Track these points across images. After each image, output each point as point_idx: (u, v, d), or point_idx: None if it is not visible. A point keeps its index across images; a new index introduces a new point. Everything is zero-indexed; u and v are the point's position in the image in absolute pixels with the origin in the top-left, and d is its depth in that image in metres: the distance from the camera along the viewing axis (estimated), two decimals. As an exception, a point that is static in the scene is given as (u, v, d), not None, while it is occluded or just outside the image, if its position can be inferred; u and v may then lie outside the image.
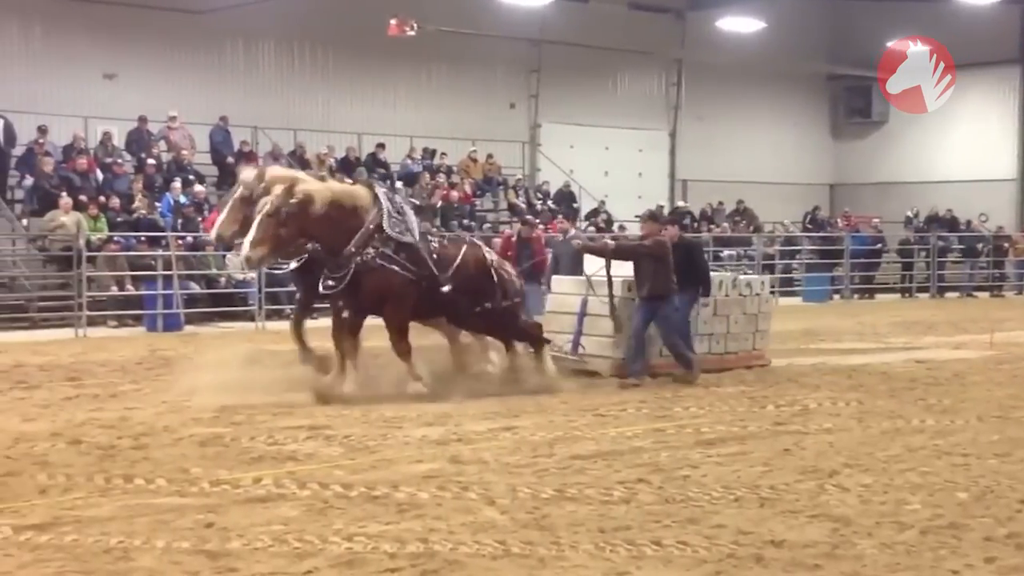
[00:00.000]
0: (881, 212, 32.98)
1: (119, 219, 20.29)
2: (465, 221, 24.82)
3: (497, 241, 16.62)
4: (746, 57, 31.49)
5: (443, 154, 27.33)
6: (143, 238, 20.07)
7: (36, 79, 23.22)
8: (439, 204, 24.43)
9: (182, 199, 21.17)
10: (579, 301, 12.91)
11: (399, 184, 25.48)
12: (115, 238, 19.76)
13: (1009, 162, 33.87)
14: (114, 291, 19.39)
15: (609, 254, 12.54)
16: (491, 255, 12.29)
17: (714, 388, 12.01)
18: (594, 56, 30.21)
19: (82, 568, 5.72)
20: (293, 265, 11.53)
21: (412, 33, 25.08)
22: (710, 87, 33.05)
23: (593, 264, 12.79)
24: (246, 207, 11.03)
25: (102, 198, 20.45)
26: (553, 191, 28.89)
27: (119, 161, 22.24)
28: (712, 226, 29.29)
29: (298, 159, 24.65)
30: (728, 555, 5.99)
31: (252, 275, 18.02)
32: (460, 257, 11.52)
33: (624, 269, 12.44)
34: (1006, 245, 30.39)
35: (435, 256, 11.28)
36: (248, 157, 23.79)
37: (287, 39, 26.73)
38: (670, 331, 12.20)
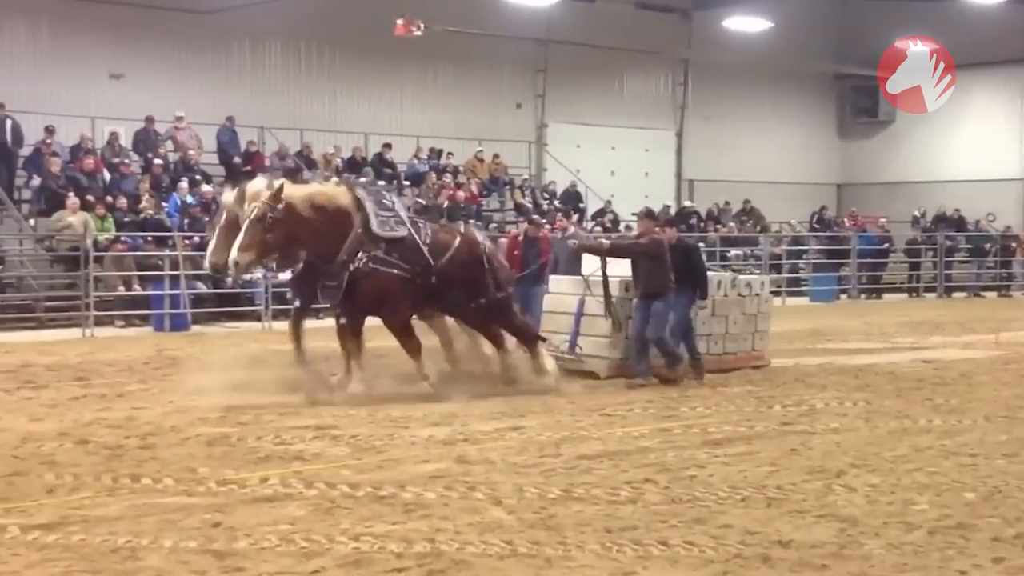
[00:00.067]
0: (888, 212, 32.92)
1: (126, 219, 20.31)
2: (471, 221, 24.78)
3: (504, 241, 16.61)
4: (753, 57, 31.45)
5: (449, 154, 27.33)
6: (150, 238, 20.08)
7: (43, 79, 23.25)
8: (445, 204, 24.42)
9: (189, 199, 21.18)
10: (576, 301, 12.86)
11: (406, 184, 25.56)
12: (122, 238, 19.78)
13: (1016, 162, 33.80)
14: (121, 291, 19.42)
15: (604, 253, 12.52)
16: (485, 241, 12.23)
17: (721, 388, 12.00)
18: (600, 56, 30.19)
19: (89, 567, 5.73)
20: (288, 276, 11.51)
21: (418, 33, 25.08)
22: (717, 87, 33.02)
23: (591, 264, 12.75)
24: (235, 230, 10.87)
25: (109, 198, 20.47)
26: (560, 191, 28.86)
27: (126, 161, 22.25)
28: (719, 226, 29.25)
29: (304, 159, 24.69)
30: (735, 555, 5.98)
31: (258, 276, 18.03)
32: (455, 244, 11.46)
33: (623, 269, 12.40)
34: (1013, 245, 30.31)
35: (428, 243, 11.25)
36: (255, 157, 23.87)
37: (294, 39, 26.74)
38: (660, 327, 12.06)
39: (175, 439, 8.98)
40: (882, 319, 21.36)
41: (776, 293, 25.66)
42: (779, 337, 16.28)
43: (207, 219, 20.17)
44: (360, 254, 10.82)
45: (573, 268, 13.41)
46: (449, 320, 12.18)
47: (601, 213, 28.20)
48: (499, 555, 5.96)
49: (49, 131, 21.49)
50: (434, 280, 11.17)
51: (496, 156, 28.32)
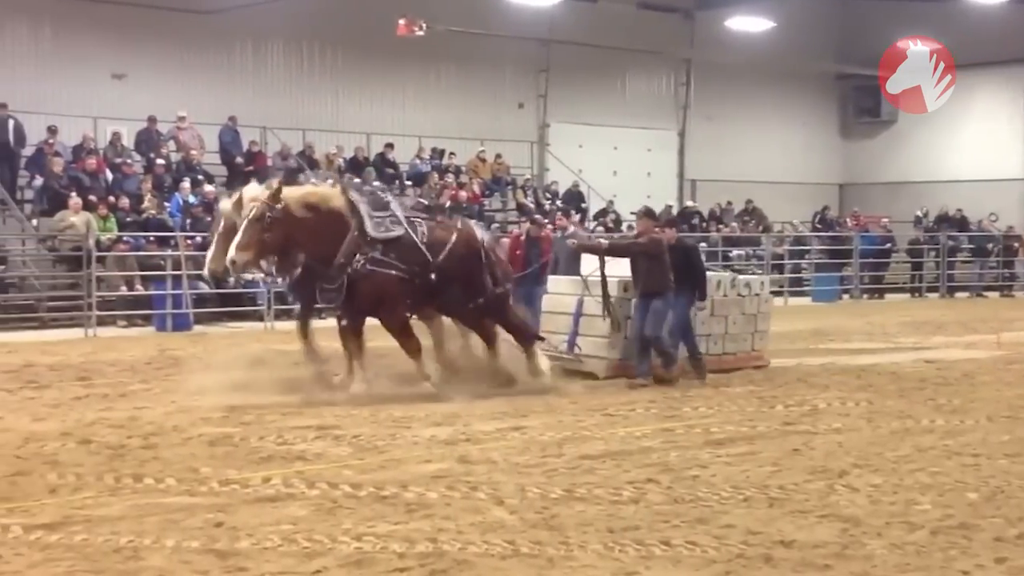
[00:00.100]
0: (890, 212, 32.89)
1: (128, 219, 20.32)
2: (473, 221, 24.78)
3: (506, 241, 16.61)
4: (755, 57, 31.44)
5: (452, 154, 27.34)
6: (152, 238, 20.10)
7: (45, 79, 23.28)
8: (448, 204, 24.41)
9: (191, 199, 21.19)
10: (575, 301, 12.83)
11: (408, 184, 25.55)
12: (124, 238, 19.80)
13: (1019, 162, 33.73)
14: (123, 291, 19.43)
15: (603, 252, 12.50)
16: (483, 235, 12.21)
17: (723, 388, 12.00)
18: (603, 56, 30.18)
19: (92, 567, 5.73)
20: (286, 281, 11.49)
21: (421, 33, 25.08)
22: (719, 87, 33.01)
23: (590, 264, 12.72)
24: (233, 237, 10.82)
25: (111, 198, 20.48)
26: (562, 191, 28.86)
27: (128, 161, 22.26)
28: (721, 226, 29.23)
29: (307, 159, 24.69)
30: (737, 555, 5.98)
31: (259, 278, 18.02)
32: (452, 239, 11.44)
33: (623, 269, 12.38)
34: (1016, 245, 30.29)
35: (425, 241, 11.24)
36: (257, 157, 23.88)
37: (296, 39, 26.75)
38: (657, 325, 12.04)
39: (177, 439, 8.99)
40: (884, 319, 21.35)
41: (778, 293, 25.74)
42: (781, 337, 16.29)
43: (209, 219, 20.21)
44: (357, 256, 10.82)
45: (573, 268, 13.38)
46: (446, 321, 12.17)
47: (603, 213, 28.20)
48: (501, 555, 5.96)
49: (51, 131, 21.52)
50: (434, 276, 11.16)
51: (498, 156, 28.33)
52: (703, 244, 26.62)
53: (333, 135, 26.32)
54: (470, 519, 6.59)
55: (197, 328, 18.63)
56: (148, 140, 23.05)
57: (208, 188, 21.76)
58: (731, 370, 13.05)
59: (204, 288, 19.52)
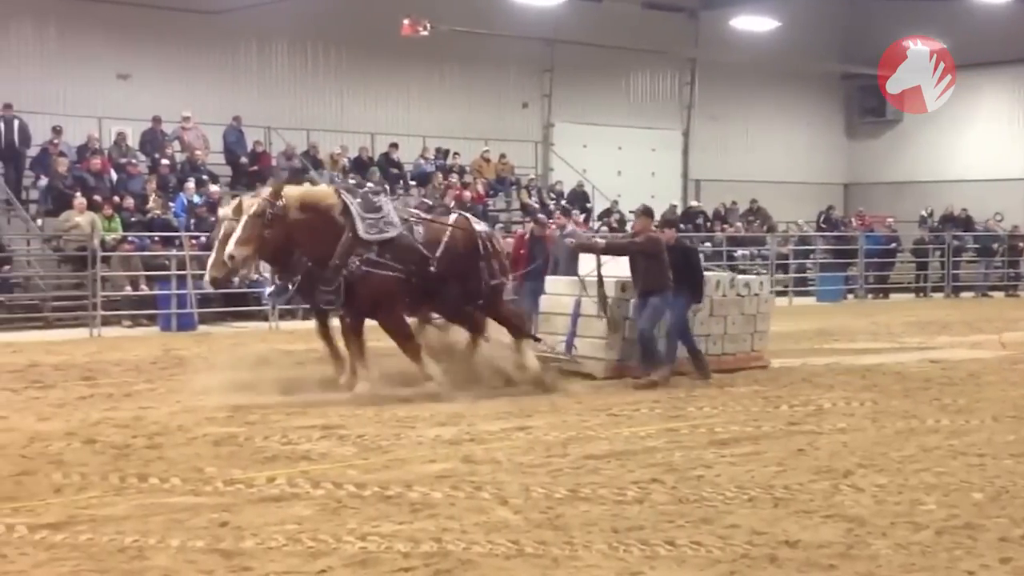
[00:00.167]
0: (895, 212, 32.87)
1: (133, 219, 20.34)
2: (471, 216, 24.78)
3: (510, 240, 16.62)
4: (760, 56, 31.42)
5: (456, 154, 27.34)
6: (157, 238, 20.12)
7: (50, 79, 23.30)
8: (452, 204, 24.42)
9: (196, 199, 21.22)
10: (573, 302, 12.80)
11: (412, 184, 25.57)
12: (129, 238, 19.82)
13: (1024, 161, 33.76)
14: (128, 291, 19.44)
15: (599, 251, 12.47)
16: (480, 227, 12.17)
17: (728, 388, 11.99)
18: (607, 56, 30.17)
19: (97, 567, 5.73)
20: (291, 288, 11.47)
21: (425, 33, 25.08)
22: (723, 86, 32.99)
23: (589, 263, 12.69)
24: None
25: (116, 198, 20.49)
26: (566, 191, 28.85)
27: (133, 161, 22.28)
28: (725, 226, 29.21)
29: (311, 159, 24.71)
30: (742, 555, 5.97)
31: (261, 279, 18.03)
32: (447, 232, 11.43)
33: (622, 269, 12.36)
34: (1021, 245, 30.24)
35: (422, 240, 11.24)
36: (261, 157, 23.90)
37: (300, 39, 26.76)
38: (650, 320, 12.03)
39: (182, 439, 8.99)
40: (889, 319, 21.33)
41: (783, 293, 25.77)
42: (786, 337, 16.30)
43: (213, 219, 20.22)
44: (352, 257, 10.81)
45: (573, 268, 13.37)
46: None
47: (607, 213, 28.19)
48: (505, 555, 5.96)
49: (56, 131, 21.54)
50: (433, 269, 11.15)
51: (502, 156, 28.32)
52: (708, 244, 26.67)
53: (337, 135, 26.33)
54: (474, 519, 6.58)
55: (202, 328, 18.63)
56: (153, 140, 23.07)
57: (213, 188, 21.79)
58: (730, 371, 13.01)
59: (208, 288, 19.54)
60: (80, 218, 19.39)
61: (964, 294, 28.86)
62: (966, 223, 30.94)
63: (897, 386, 12.21)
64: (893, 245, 29.89)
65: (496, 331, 12.21)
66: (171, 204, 21.23)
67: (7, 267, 19.32)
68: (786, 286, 26.78)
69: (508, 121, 29.53)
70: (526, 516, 6.67)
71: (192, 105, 23.73)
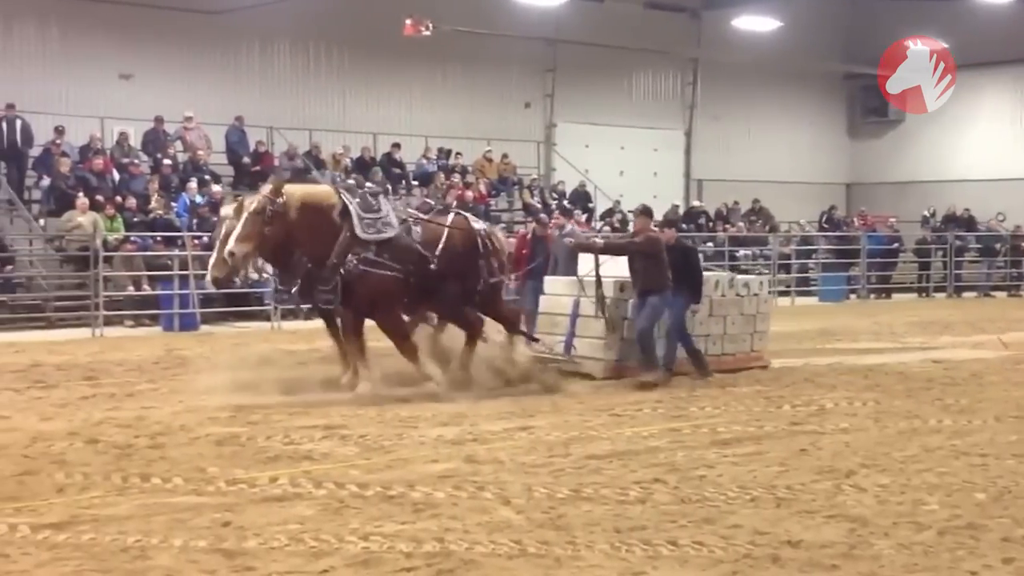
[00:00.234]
0: (898, 211, 32.85)
1: (135, 219, 20.36)
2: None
3: (512, 240, 16.63)
4: (762, 56, 31.41)
5: (458, 154, 27.35)
6: (159, 238, 20.14)
7: (53, 79, 23.32)
8: (454, 204, 24.43)
9: (198, 199, 21.23)
10: (572, 302, 12.78)
11: (415, 183, 25.57)
12: (131, 238, 19.84)
13: (1026, 161, 33.72)
14: (131, 291, 19.46)
15: (598, 251, 12.47)
16: (479, 224, 12.16)
17: (730, 388, 11.98)
18: (609, 55, 30.15)
19: (99, 567, 5.74)
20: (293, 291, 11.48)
21: (427, 33, 25.07)
22: (726, 86, 32.98)
23: (587, 264, 12.69)
24: None
25: (119, 198, 20.51)
26: (568, 191, 28.85)
27: (135, 161, 22.30)
28: (728, 226, 29.20)
29: (313, 159, 24.71)
30: (744, 555, 5.97)
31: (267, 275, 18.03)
32: (445, 231, 11.42)
33: (621, 269, 12.35)
34: (1023, 244, 30.24)
35: (420, 240, 11.24)
36: (264, 157, 23.91)
37: (303, 39, 26.77)
38: (649, 319, 12.02)
39: (185, 438, 9.00)
40: (892, 319, 21.32)
41: (785, 293, 25.78)
42: (788, 337, 16.30)
43: (215, 219, 20.23)
44: (351, 256, 10.81)
45: (572, 268, 13.36)
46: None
47: (610, 213, 28.19)
48: (508, 555, 5.96)
49: (59, 131, 21.56)
50: (434, 267, 11.15)
51: (505, 156, 28.32)
52: (710, 244, 26.66)
53: (340, 135, 26.34)
54: (477, 519, 6.58)
55: (204, 328, 18.65)
56: (155, 140, 23.09)
57: (215, 188, 21.81)
58: (730, 371, 12.98)
59: (211, 288, 19.55)
60: (82, 218, 19.41)
61: (966, 294, 28.84)
62: (968, 223, 30.91)
63: (899, 386, 12.20)
64: (895, 245, 29.88)
65: (495, 332, 12.22)
66: (173, 204, 21.26)
67: (10, 267, 19.35)
68: (788, 286, 26.78)
69: (510, 121, 29.53)
70: (528, 516, 6.67)
71: (194, 105, 23.75)
